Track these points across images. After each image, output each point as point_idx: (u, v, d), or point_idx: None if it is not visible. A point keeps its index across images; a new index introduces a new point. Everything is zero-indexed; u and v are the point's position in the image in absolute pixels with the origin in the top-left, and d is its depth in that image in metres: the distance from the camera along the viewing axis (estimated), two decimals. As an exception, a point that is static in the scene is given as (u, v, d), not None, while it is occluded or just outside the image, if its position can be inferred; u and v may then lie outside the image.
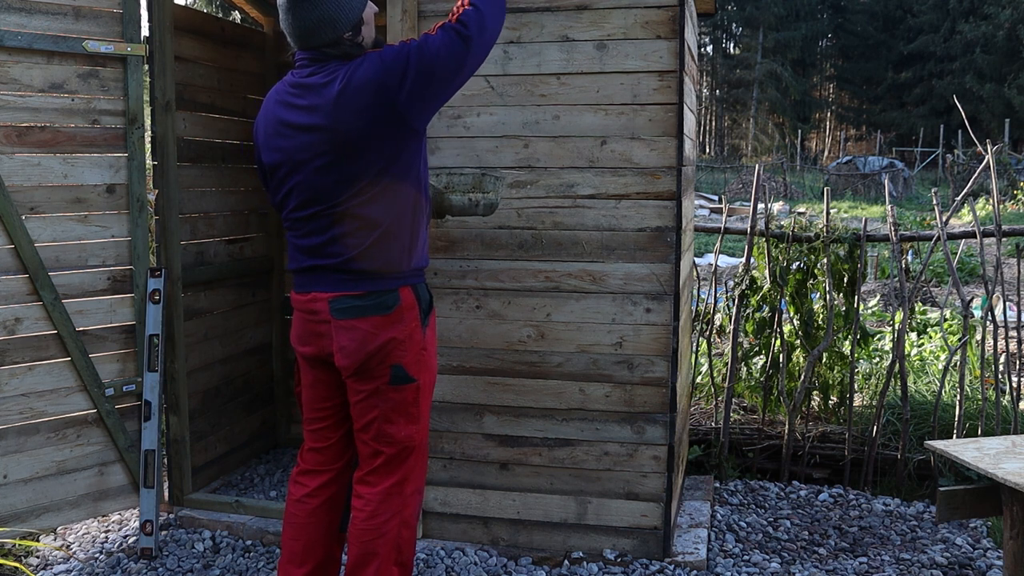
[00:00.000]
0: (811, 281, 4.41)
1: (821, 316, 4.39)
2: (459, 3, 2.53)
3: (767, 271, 4.37)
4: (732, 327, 4.37)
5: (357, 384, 2.58)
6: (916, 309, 6.34)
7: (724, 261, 10.16)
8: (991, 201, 6.37)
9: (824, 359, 4.41)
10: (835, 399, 4.53)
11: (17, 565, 2.60)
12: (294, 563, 2.74)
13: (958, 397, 4.04)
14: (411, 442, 2.62)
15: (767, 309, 4.44)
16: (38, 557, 3.39)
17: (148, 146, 3.54)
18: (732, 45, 54.47)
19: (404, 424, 2.60)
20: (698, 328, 4.70)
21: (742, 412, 4.69)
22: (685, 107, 3.11)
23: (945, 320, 6.09)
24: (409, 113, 2.45)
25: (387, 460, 2.62)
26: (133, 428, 3.49)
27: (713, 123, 53.98)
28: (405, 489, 2.64)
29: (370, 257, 2.52)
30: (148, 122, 3.52)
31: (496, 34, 2.56)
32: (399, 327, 2.55)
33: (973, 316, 4.48)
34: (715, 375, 4.64)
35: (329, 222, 2.52)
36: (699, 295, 4.74)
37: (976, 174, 4.34)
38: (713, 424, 4.46)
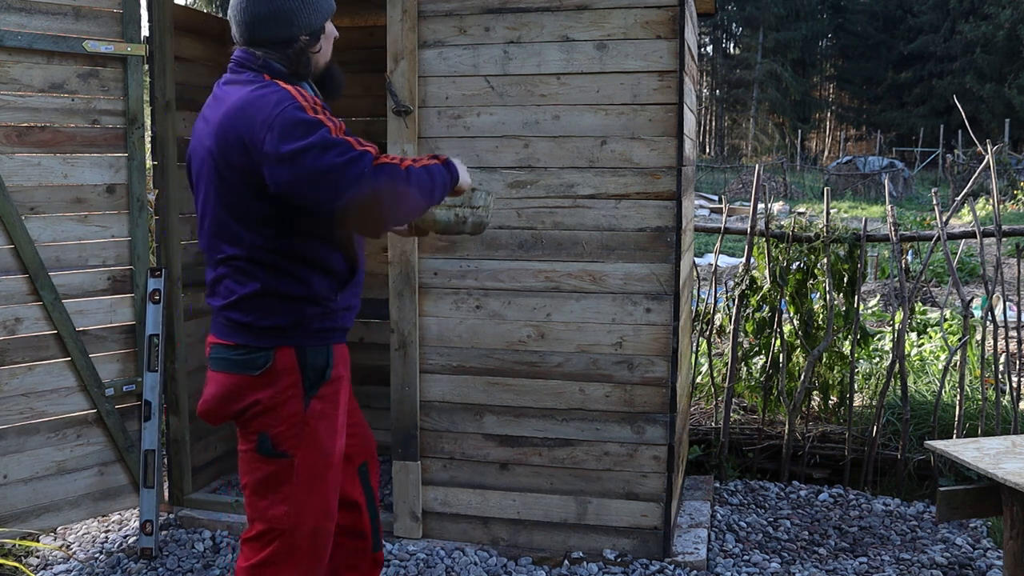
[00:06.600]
0: (811, 281, 4.41)
1: (821, 316, 4.39)
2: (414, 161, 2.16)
3: (767, 271, 4.36)
4: (732, 327, 4.37)
5: (239, 438, 2.31)
6: (916, 309, 6.33)
7: (724, 261, 10.15)
8: (991, 201, 6.36)
9: (824, 359, 4.41)
10: (835, 399, 4.53)
11: (17, 565, 2.59)
12: None
13: (958, 397, 4.04)
14: (280, 524, 2.25)
15: (767, 309, 4.44)
16: (38, 557, 3.39)
17: (148, 146, 3.54)
18: (732, 45, 54.44)
19: (273, 502, 2.25)
20: (698, 328, 4.70)
21: (742, 412, 4.69)
22: (685, 107, 3.11)
23: (945, 320, 6.08)
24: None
25: (259, 534, 2.28)
26: (133, 428, 3.49)
27: (713, 123, 53.95)
28: None
29: (245, 308, 2.20)
30: (148, 122, 3.52)
31: (396, 216, 2.14)
32: (267, 392, 2.20)
33: (973, 316, 4.48)
34: (715, 375, 4.63)
35: (219, 258, 2.23)
36: (699, 295, 4.74)
37: (976, 174, 4.34)
38: (713, 424, 4.46)
